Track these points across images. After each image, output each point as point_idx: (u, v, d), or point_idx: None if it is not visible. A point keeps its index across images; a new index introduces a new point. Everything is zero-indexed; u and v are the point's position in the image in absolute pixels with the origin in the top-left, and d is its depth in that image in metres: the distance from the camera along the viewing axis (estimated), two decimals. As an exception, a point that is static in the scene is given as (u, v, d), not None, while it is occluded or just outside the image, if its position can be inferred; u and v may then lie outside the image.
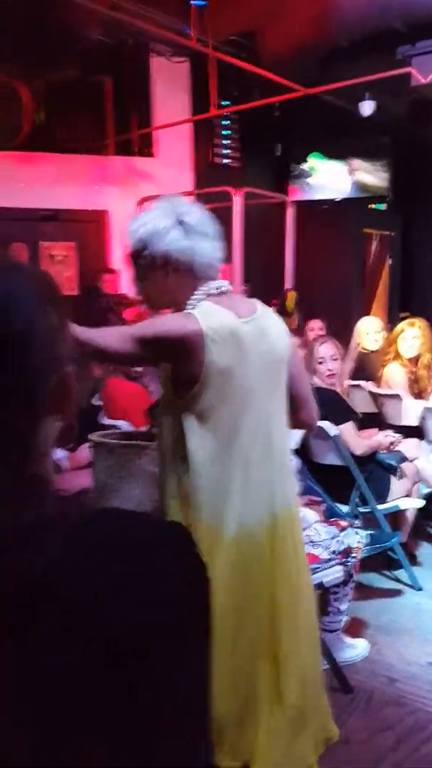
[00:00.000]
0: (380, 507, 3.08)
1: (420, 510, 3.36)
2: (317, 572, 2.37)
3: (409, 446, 3.33)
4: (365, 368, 3.95)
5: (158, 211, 1.53)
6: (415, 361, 3.81)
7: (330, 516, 2.67)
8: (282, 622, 1.54)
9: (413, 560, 3.38)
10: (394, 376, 3.78)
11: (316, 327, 4.63)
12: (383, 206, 7.28)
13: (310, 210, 6.54)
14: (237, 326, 1.49)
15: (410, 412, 3.52)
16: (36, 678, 0.52)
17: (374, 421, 3.55)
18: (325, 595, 2.49)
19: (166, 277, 1.53)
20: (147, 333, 1.48)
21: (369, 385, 3.84)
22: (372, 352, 4.16)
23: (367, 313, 6.69)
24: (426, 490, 3.46)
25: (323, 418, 3.05)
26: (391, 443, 3.19)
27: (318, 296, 5.68)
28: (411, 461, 3.28)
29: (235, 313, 1.51)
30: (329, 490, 2.86)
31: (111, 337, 1.53)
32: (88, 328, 1.49)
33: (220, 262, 1.56)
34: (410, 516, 3.33)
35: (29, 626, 0.52)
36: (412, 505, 3.24)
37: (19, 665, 0.52)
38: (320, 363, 3.17)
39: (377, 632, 2.81)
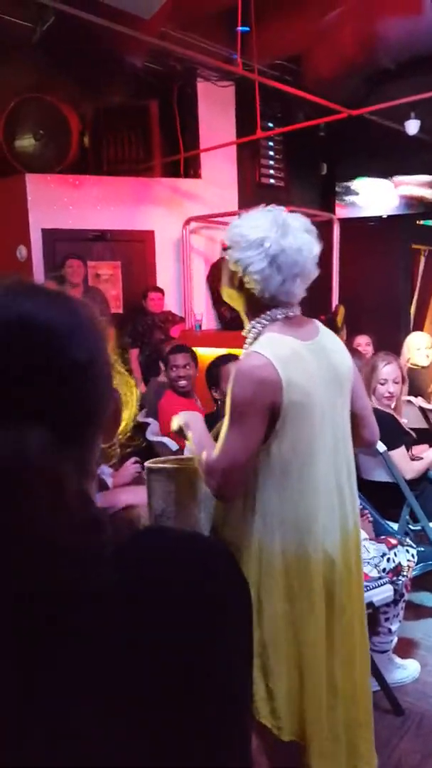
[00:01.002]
0: None
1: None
2: (367, 591, 2.35)
3: None
4: (415, 384, 3.93)
5: (258, 221, 1.51)
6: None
7: (379, 533, 2.65)
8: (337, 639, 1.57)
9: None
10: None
11: (363, 343, 4.63)
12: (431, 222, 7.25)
13: (357, 227, 6.56)
14: (303, 352, 1.51)
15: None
16: (100, 690, 0.54)
17: (425, 436, 3.52)
18: (375, 614, 2.48)
19: (236, 286, 1.56)
20: (242, 419, 1.45)
21: (420, 401, 3.82)
22: (422, 367, 4.14)
23: (419, 329, 6.66)
24: None
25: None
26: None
27: (364, 312, 5.68)
28: None
29: (299, 337, 1.53)
30: (378, 507, 2.85)
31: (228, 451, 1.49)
32: (205, 436, 1.61)
33: (295, 297, 1.54)
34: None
35: (89, 640, 0.54)
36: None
37: (78, 682, 0.54)
38: (382, 384, 3.09)
39: (428, 653, 2.77)
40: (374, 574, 2.39)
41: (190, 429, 1.65)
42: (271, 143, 6.41)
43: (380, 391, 3.10)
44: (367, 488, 2.91)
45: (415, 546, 2.58)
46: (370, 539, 2.52)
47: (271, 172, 6.44)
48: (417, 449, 3.27)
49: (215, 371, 3.07)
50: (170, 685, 0.56)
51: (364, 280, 6.42)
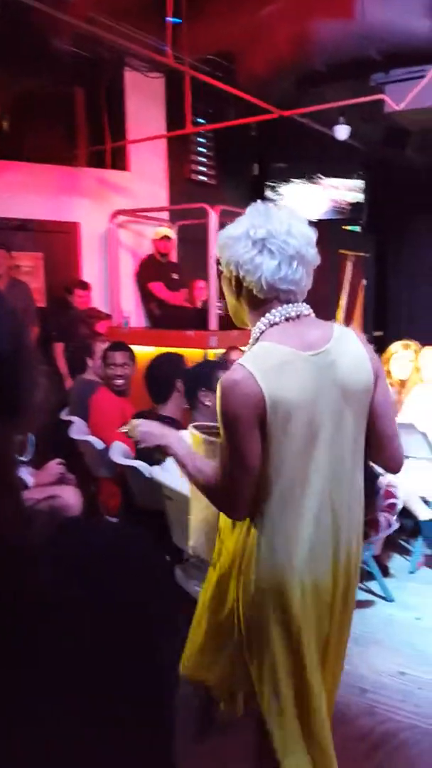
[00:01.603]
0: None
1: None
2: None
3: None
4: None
5: (242, 218, 1.50)
6: (400, 383, 3.96)
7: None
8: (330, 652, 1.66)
9: (385, 572, 3.53)
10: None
11: None
12: (358, 228, 7.55)
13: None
14: (297, 364, 1.43)
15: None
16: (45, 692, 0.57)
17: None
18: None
19: (235, 291, 1.52)
20: (231, 437, 1.41)
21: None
22: None
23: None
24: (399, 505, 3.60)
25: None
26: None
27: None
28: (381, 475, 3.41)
29: (298, 346, 1.45)
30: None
31: (214, 469, 1.50)
32: (197, 458, 1.60)
33: (296, 285, 1.48)
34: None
35: (32, 643, 0.57)
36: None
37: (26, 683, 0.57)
38: None
39: (350, 643, 2.89)
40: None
41: (175, 451, 1.62)
42: (202, 140, 6.51)
43: None
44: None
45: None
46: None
47: (202, 169, 6.54)
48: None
49: (209, 373, 2.67)
50: (100, 671, 0.60)
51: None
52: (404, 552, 3.89)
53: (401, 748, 2.26)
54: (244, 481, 1.44)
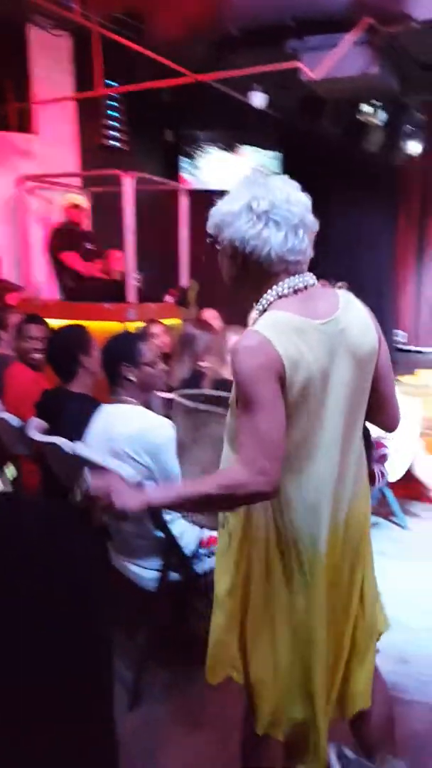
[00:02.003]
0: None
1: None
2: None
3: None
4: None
5: (235, 192, 1.49)
6: None
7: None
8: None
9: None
10: None
11: (211, 316, 4.80)
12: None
13: (204, 200, 6.69)
14: (309, 332, 1.45)
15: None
16: None
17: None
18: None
19: (240, 267, 1.51)
20: (262, 415, 1.38)
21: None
22: None
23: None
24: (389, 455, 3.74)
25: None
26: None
27: (212, 286, 5.86)
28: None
29: (308, 315, 1.47)
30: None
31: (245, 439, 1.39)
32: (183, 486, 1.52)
33: (303, 254, 1.49)
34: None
35: None
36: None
37: None
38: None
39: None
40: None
41: (159, 500, 1.50)
42: (113, 103, 6.33)
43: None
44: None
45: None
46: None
47: (114, 134, 6.37)
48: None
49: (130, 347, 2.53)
50: (33, 645, 0.61)
51: (211, 255, 6.59)
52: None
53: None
54: (279, 441, 1.39)
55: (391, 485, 3.92)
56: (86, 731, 0.66)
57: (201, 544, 2.48)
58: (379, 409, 1.65)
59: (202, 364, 3.67)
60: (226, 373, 3.25)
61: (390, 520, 4.05)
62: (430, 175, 8.02)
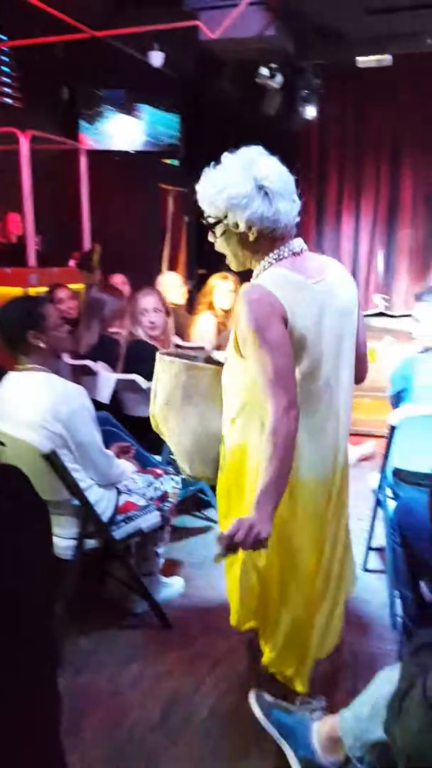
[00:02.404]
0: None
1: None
2: (136, 519, 2.54)
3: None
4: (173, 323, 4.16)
5: (236, 175, 1.62)
6: (225, 313, 4.20)
7: (145, 465, 2.84)
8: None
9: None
10: (205, 324, 4.13)
11: (119, 281, 4.74)
12: (176, 162, 7.49)
13: (104, 161, 6.52)
14: (306, 290, 1.62)
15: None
16: None
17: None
18: (144, 540, 2.68)
19: (246, 240, 1.66)
20: (274, 356, 1.55)
21: (177, 340, 4.08)
22: (178, 305, 4.42)
23: (173, 269, 6.95)
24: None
25: (136, 372, 3.20)
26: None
27: (118, 251, 5.75)
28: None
29: (305, 275, 1.64)
30: (142, 442, 3.04)
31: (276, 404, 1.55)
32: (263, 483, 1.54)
33: (297, 218, 1.65)
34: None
35: None
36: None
37: None
38: (143, 314, 3.26)
39: (192, 569, 3.09)
40: (142, 502, 2.57)
41: (269, 510, 1.55)
42: (5, 58, 6.00)
43: (143, 322, 3.28)
44: (132, 424, 3.08)
45: (177, 474, 2.82)
46: (138, 471, 2.69)
47: (7, 90, 6.06)
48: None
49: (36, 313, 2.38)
50: None
51: (115, 218, 6.46)
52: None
53: (243, 659, 2.44)
54: (292, 374, 1.58)
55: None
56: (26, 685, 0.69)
57: (118, 510, 2.50)
58: (356, 360, 1.82)
59: (111, 330, 3.64)
60: (142, 335, 3.26)
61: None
62: (326, 140, 8.19)
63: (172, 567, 3.03)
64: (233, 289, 4.16)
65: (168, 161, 7.55)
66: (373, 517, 2.87)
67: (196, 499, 3.63)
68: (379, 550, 3.06)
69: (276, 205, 1.63)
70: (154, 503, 2.61)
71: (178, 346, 4.07)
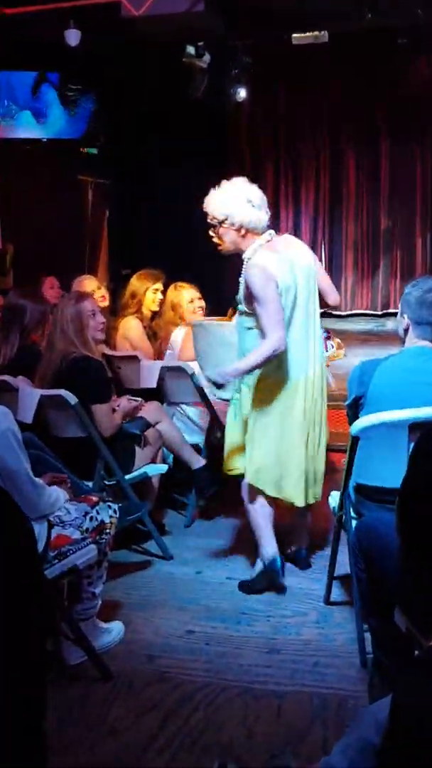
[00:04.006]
0: (127, 477, 3.31)
1: (163, 477, 3.69)
2: (70, 555, 2.45)
3: (150, 410, 3.59)
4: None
5: (233, 194, 3.01)
6: (152, 316, 4.32)
7: (78, 493, 2.77)
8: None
9: (162, 530, 3.70)
10: (133, 329, 4.22)
11: (56, 285, 4.77)
12: (95, 151, 7.43)
13: (13, 150, 6.40)
14: (283, 260, 2.98)
15: (147, 372, 3.79)
16: None
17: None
18: (79, 579, 2.60)
19: (239, 236, 3.03)
20: (272, 307, 2.88)
21: (102, 347, 4.02)
22: (101, 309, 4.40)
23: (93, 268, 6.89)
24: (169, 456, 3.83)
25: (74, 389, 3.13)
26: (135, 408, 3.43)
27: (39, 251, 5.63)
28: (153, 426, 3.54)
29: (279, 252, 3.00)
30: (72, 467, 2.96)
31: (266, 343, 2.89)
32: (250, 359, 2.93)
33: (269, 222, 3.06)
34: (156, 483, 3.64)
35: None
36: (158, 471, 3.55)
37: None
38: (91, 317, 3.32)
39: (131, 610, 3.03)
40: (77, 535, 2.50)
41: (242, 365, 2.95)
42: None
43: (93, 325, 3.31)
44: (60, 447, 3.00)
45: (115, 501, 2.76)
46: (71, 500, 2.62)
47: None
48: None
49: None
50: None
51: (32, 214, 6.34)
52: (178, 507, 4.13)
53: (197, 710, 2.40)
54: (282, 317, 2.91)
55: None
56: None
57: (49, 545, 2.41)
58: (325, 295, 3.19)
59: (35, 338, 3.56)
60: (85, 342, 3.25)
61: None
62: (258, 125, 8.27)
63: (109, 609, 2.95)
64: (160, 288, 4.44)
65: (87, 150, 7.47)
66: (335, 541, 2.87)
67: (135, 531, 3.58)
68: (343, 578, 3.08)
69: (257, 214, 3.01)
70: (90, 536, 2.55)
71: (104, 354, 4.02)
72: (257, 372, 3.00)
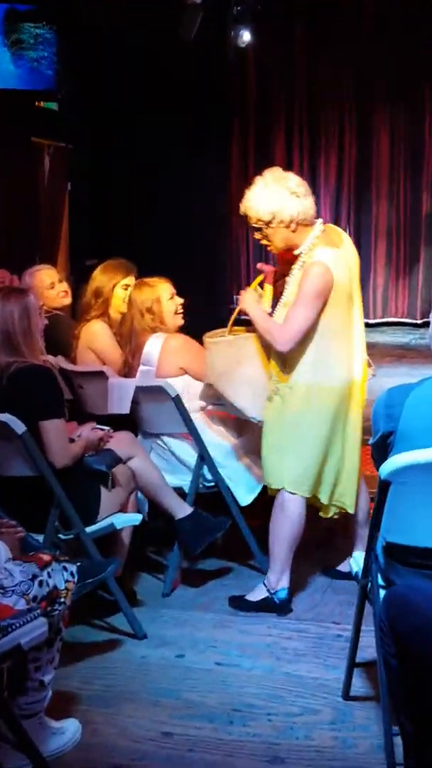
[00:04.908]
0: (89, 529, 3.30)
1: (137, 530, 3.69)
2: (12, 631, 2.43)
3: (121, 442, 3.60)
4: (53, 336, 4.11)
5: (274, 188, 3.46)
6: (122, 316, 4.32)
7: (23, 550, 2.76)
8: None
9: (132, 599, 3.68)
10: (99, 337, 4.28)
11: (7, 278, 4.91)
12: (55, 106, 7.48)
13: None
14: (342, 257, 3.53)
15: (118, 394, 3.80)
16: None
17: (70, 410, 3.73)
18: (22, 664, 2.58)
19: (290, 232, 3.49)
20: (309, 315, 3.45)
21: (60, 360, 4.02)
22: (60, 310, 4.47)
23: (49, 258, 6.90)
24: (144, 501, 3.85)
25: (21, 411, 3.14)
26: (101, 439, 3.42)
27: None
28: (125, 463, 3.55)
29: (336, 247, 3.54)
30: (18, 515, 2.95)
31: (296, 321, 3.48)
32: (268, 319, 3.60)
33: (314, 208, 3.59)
34: (126, 538, 3.63)
35: None
36: (130, 521, 3.54)
37: None
38: (40, 315, 3.42)
39: (91, 705, 3.02)
40: (22, 605, 2.49)
41: (252, 310, 3.64)
42: None
43: (42, 327, 3.42)
44: (3, 487, 3.01)
45: (72, 561, 2.75)
46: (14, 559, 2.61)
47: None
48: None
49: None
50: None
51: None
52: (155, 569, 4.11)
53: None
54: (301, 332, 3.45)
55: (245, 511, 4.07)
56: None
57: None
58: None
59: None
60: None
61: (249, 565, 4.18)
62: (267, 78, 8.34)
63: (62, 703, 2.94)
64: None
65: (43, 104, 7.53)
66: (358, 616, 2.87)
67: (98, 600, 3.58)
68: (367, 666, 3.08)
69: (304, 203, 3.48)
70: (40, 606, 2.53)
71: (63, 370, 4.02)
72: (302, 376, 3.55)
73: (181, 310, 4.23)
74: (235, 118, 8.45)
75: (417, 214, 8.30)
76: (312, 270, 3.43)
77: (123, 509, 3.59)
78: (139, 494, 3.78)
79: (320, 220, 3.57)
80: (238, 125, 8.42)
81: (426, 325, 8.01)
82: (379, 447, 2.71)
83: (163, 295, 4.20)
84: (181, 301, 4.24)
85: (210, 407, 4.16)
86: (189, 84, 7.56)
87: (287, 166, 8.21)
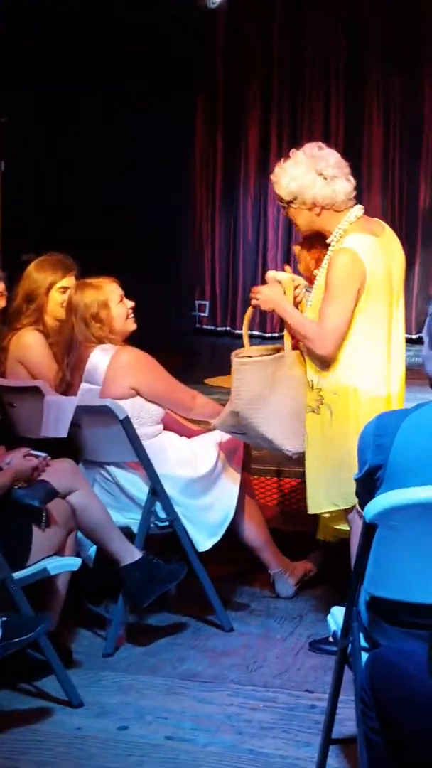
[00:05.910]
0: (17, 575, 3.29)
1: (75, 577, 3.70)
2: None
3: (58, 473, 3.61)
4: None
5: (302, 167, 3.70)
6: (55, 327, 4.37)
7: None
8: None
9: (68, 659, 3.69)
10: (32, 348, 4.32)
11: None
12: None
13: None
14: (377, 246, 3.72)
15: (55, 414, 3.79)
16: None
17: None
18: None
19: (314, 215, 3.76)
20: (344, 307, 3.63)
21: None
22: None
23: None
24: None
25: None
26: (35, 468, 3.42)
27: None
28: (63, 497, 3.54)
29: (373, 233, 3.75)
30: None
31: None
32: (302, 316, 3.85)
33: (355, 191, 3.76)
34: (62, 586, 3.64)
35: None
36: (67, 567, 3.54)
37: None
38: None
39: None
40: None
41: (283, 308, 3.85)
42: None
43: None
44: None
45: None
46: None
47: None
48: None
49: None
50: None
51: None
52: (95, 624, 4.13)
53: None
54: (343, 330, 3.64)
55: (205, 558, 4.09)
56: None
57: None
58: None
59: None
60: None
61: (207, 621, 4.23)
62: (242, 46, 8.38)
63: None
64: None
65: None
66: (335, 685, 2.88)
67: (26, 661, 3.58)
68: (345, 742, 3.09)
69: (333, 186, 3.68)
70: None
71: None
72: (348, 379, 3.73)
73: (131, 314, 4.24)
74: (199, 89, 8.45)
75: (413, 209, 8.34)
76: (338, 258, 3.62)
77: (59, 552, 3.59)
78: (80, 534, 3.79)
79: (358, 206, 3.78)
80: (204, 98, 8.43)
81: (421, 341, 8.09)
82: (366, 482, 2.68)
83: (111, 298, 4.17)
84: (131, 303, 4.24)
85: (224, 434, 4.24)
86: (141, 49, 7.57)
87: (262, 149, 8.24)
